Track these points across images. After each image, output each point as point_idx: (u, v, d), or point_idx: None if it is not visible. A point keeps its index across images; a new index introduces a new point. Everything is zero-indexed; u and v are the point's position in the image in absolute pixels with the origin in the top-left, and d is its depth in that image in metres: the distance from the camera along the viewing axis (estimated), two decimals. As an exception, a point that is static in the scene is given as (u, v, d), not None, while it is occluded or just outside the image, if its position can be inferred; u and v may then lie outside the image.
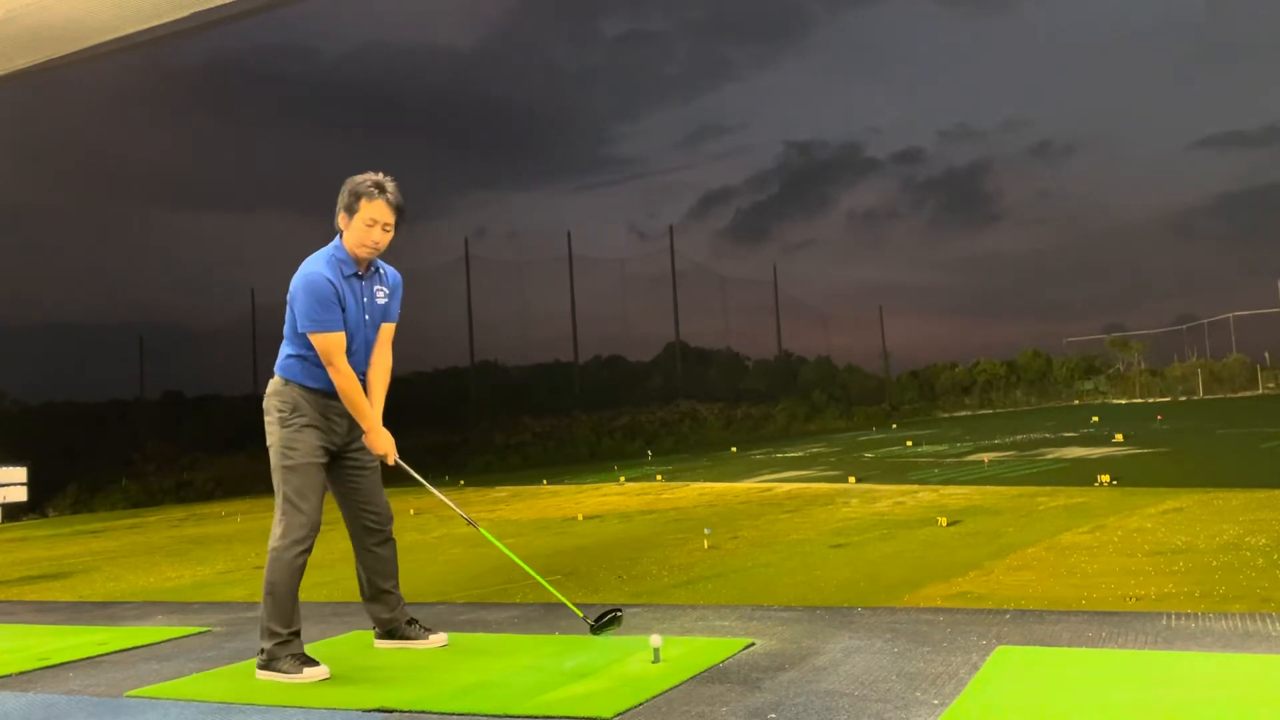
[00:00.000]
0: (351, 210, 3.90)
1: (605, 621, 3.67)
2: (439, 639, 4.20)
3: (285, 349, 3.99)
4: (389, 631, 4.22)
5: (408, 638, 4.19)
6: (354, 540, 4.16)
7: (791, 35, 65.55)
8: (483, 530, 4.15)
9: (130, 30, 6.80)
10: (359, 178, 3.95)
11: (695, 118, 75.46)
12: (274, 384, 4.01)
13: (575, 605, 3.93)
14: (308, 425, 3.92)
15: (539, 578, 4.10)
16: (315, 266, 3.89)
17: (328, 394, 3.95)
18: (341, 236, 3.97)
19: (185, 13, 6.56)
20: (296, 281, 3.89)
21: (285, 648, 3.82)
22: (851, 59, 66.77)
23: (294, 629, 3.85)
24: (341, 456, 4.06)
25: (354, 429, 4.04)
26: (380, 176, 3.96)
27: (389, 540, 4.18)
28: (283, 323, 4.02)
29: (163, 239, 48.81)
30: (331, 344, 3.83)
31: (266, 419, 3.98)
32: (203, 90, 49.57)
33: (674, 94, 67.96)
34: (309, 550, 3.87)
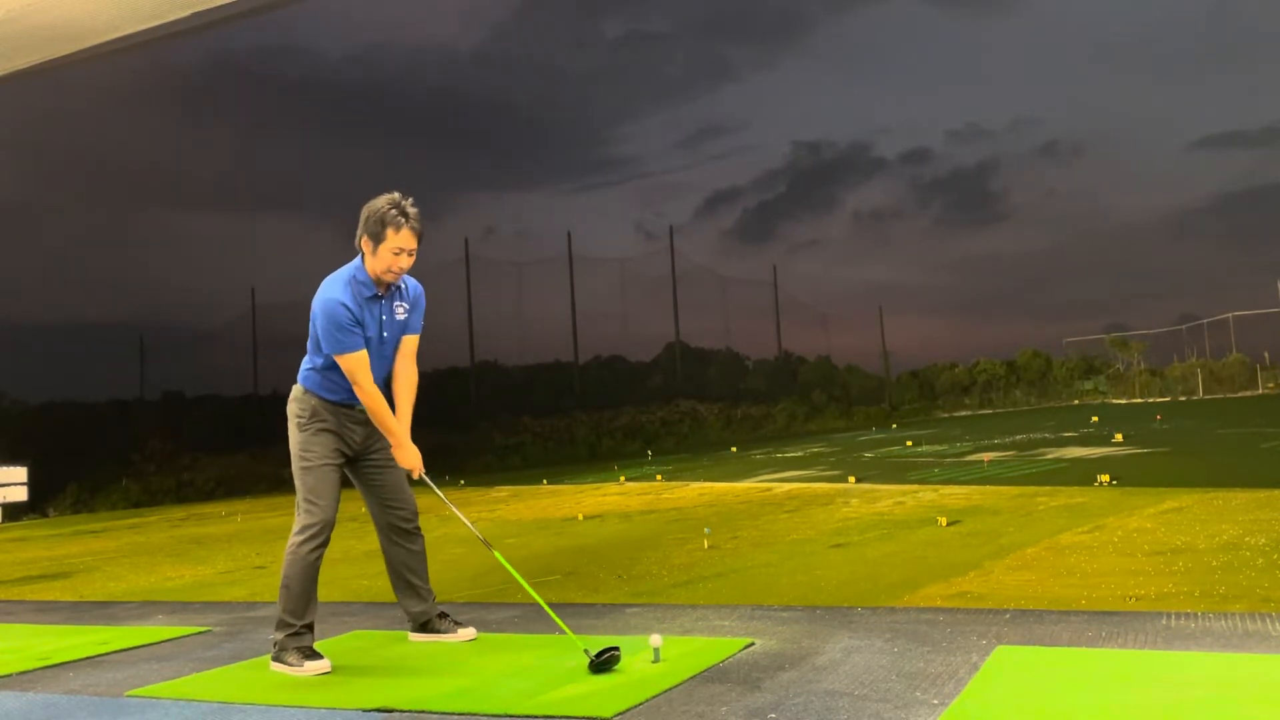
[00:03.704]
0: (379, 238, 3.98)
1: (604, 660, 3.62)
2: (468, 633, 4.34)
3: (306, 361, 4.16)
4: (421, 625, 4.37)
5: (439, 630, 4.34)
6: (382, 536, 4.34)
7: (795, 35, 65.41)
8: (497, 555, 4.19)
9: (130, 30, 6.81)
10: (383, 204, 4.00)
11: (699, 117, 75.27)
12: (295, 391, 4.18)
13: (573, 631, 3.95)
14: (323, 430, 4.10)
15: (543, 603, 4.12)
16: (334, 292, 3.98)
17: (343, 405, 4.13)
18: (363, 258, 4.05)
19: (185, 13, 6.57)
20: (316, 306, 4.02)
21: (295, 639, 3.96)
22: (860, 59, 66.61)
23: (306, 621, 4.00)
24: (362, 458, 4.24)
25: (372, 434, 4.20)
26: (402, 200, 4.02)
27: (417, 535, 4.34)
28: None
29: (163, 239, 48.69)
30: (355, 364, 3.97)
31: (289, 425, 4.16)
32: (203, 90, 49.55)
33: (675, 94, 67.89)
34: (322, 546, 4.02)
